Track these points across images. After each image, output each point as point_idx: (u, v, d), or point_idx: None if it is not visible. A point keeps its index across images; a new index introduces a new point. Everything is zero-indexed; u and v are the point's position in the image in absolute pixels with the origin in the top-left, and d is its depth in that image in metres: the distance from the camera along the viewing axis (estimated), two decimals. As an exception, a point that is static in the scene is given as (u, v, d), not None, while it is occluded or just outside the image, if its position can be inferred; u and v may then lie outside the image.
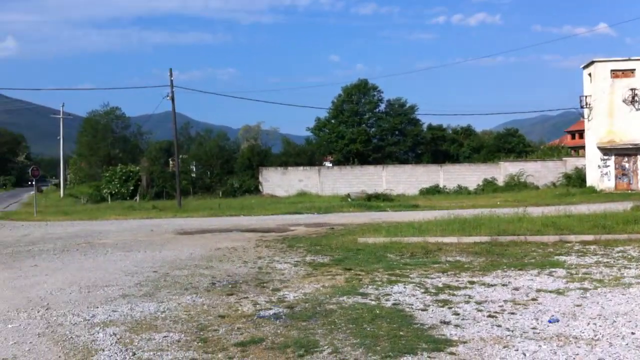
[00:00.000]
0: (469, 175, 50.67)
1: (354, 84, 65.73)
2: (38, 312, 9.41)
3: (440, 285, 10.49)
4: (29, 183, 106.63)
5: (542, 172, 50.22)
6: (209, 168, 55.35)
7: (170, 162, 64.52)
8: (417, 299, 9.43)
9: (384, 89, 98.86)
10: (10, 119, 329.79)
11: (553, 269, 11.74)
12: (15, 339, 7.82)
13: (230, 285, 11.11)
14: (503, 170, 50.80)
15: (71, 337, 7.87)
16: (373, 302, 9.23)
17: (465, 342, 7.05)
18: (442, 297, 9.53)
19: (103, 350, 7.20)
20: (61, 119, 70.63)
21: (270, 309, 9.06)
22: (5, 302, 10.23)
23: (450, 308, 8.76)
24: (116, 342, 7.53)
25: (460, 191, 48.85)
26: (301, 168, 53.03)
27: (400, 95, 72.80)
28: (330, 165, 60.72)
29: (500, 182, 50.12)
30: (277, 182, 51.75)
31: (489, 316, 8.26)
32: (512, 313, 8.41)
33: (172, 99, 40.40)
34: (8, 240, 21.36)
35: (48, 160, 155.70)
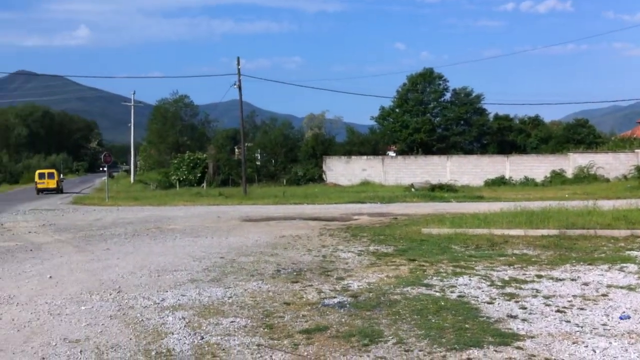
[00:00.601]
0: (536, 166, 49.49)
1: (419, 73, 64.94)
2: (110, 294, 9.76)
3: (506, 278, 10.34)
4: (101, 169, 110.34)
5: (613, 164, 48.57)
6: (274, 156, 55.87)
7: (236, 150, 65.48)
8: (482, 291, 9.34)
9: (450, 77, 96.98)
10: (83, 107, 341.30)
11: (624, 264, 11.40)
12: (88, 321, 8.13)
13: (294, 273, 11.25)
14: (572, 162, 49.38)
15: (142, 319, 8.14)
16: (438, 294, 9.19)
17: (532, 337, 6.95)
18: (508, 290, 9.40)
19: (172, 333, 7.41)
20: (132, 107, 72.62)
21: (335, 297, 9.14)
22: (79, 285, 10.65)
23: (517, 302, 8.64)
24: (185, 325, 7.75)
25: (527, 183, 47.75)
26: (365, 157, 52.91)
27: (466, 84, 71.53)
28: (394, 154, 60.33)
29: (569, 174, 48.76)
30: (340, 171, 51.83)
31: (558, 311, 8.10)
32: (582, 308, 8.22)
33: (239, 88, 40.87)
34: (81, 224, 22.17)
35: (119, 147, 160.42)
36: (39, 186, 52.24)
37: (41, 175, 53.45)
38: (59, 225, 21.87)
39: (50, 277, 11.42)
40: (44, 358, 6.62)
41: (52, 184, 52.37)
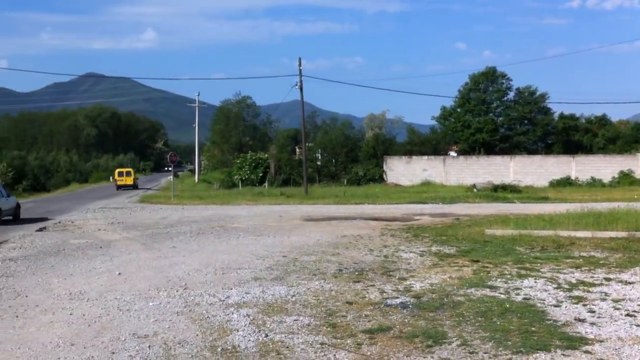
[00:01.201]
0: (604, 167, 47.98)
1: (482, 72, 63.94)
2: (177, 291, 10.00)
3: (573, 281, 10.11)
4: (165, 168, 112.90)
5: (685, 164, 46.65)
6: (334, 156, 55.96)
7: (297, 150, 65.92)
8: (549, 294, 9.15)
9: (513, 76, 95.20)
10: (149, 108, 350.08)
11: (699, 269, 10.97)
12: (156, 317, 8.36)
13: (356, 273, 11.28)
14: (642, 162, 47.71)
15: (207, 316, 8.32)
16: (502, 296, 9.06)
17: (601, 341, 6.78)
18: (576, 293, 9.19)
19: (237, 330, 7.56)
20: (196, 108, 74.00)
21: (397, 297, 9.12)
22: (147, 281, 10.96)
23: (585, 305, 8.44)
24: (249, 323, 7.88)
25: (594, 183, 46.38)
26: (426, 157, 52.45)
27: (530, 83, 70.16)
28: (455, 154, 59.60)
29: (638, 174, 47.10)
30: (401, 171, 51.51)
31: (627, 315, 7.88)
32: (654, 313, 7.97)
33: (301, 88, 41.12)
34: (148, 223, 22.75)
35: (184, 146, 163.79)
36: (119, 183, 58.26)
37: (120, 174, 59.89)
38: (127, 223, 22.51)
39: (119, 273, 11.79)
40: (113, 353, 6.84)
41: (129, 180, 58.64)
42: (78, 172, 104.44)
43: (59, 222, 23.59)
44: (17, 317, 8.56)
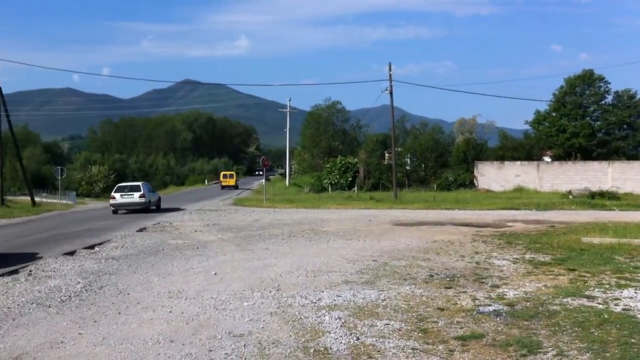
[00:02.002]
0: None
1: (578, 75, 61.64)
2: (270, 292, 10.26)
3: (678, 293, 9.64)
4: (256, 172, 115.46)
5: None
6: (424, 161, 55.48)
7: (386, 155, 65.73)
8: (650, 306, 8.78)
9: (611, 79, 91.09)
10: (242, 113, 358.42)
11: None
12: (250, 316, 8.61)
13: (448, 279, 11.19)
14: None
15: (300, 317, 8.49)
16: (600, 306, 8.77)
17: None
18: (680, 306, 8.77)
19: (329, 332, 7.68)
20: (287, 113, 75.31)
21: (490, 305, 9.00)
22: (241, 282, 11.29)
23: (690, 319, 8.05)
24: (341, 325, 7.99)
25: (703, 190, 43.80)
26: (518, 163, 51.07)
27: (630, 86, 66.99)
28: (550, 160, 57.74)
29: None
30: (492, 176, 50.42)
31: None
32: None
33: (391, 93, 41.12)
34: (242, 225, 23.37)
35: (275, 151, 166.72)
36: (223, 183, 71.42)
37: (225, 176, 73.76)
38: (221, 225, 23.21)
39: (215, 273, 12.21)
40: (210, 350, 7.09)
41: (232, 182, 71.30)
42: (175, 175, 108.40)
43: (158, 223, 24.62)
44: (119, 313, 9.02)
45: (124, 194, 32.63)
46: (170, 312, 9.01)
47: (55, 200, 49.72)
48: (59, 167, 46.49)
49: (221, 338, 7.54)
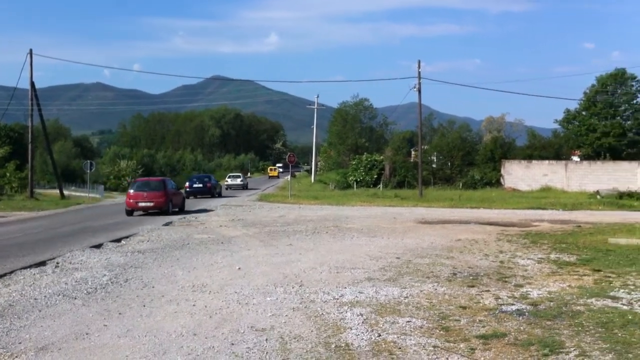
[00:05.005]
0: None
1: (610, 74, 60.74)
2: (292, 287, 10.31)
3: None
4: (273, 168, 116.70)
5: None
6: (450, 159, 55.16)
7: (412, 153, 65.54)
8: (677, 308, 8.66)
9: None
10: (270, 109, 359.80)
11: None
12: (273, 311, 8.66)
13: (471, 277, 11.15)
14: None
15: (322, 313, 8.53)
16: (625, 307, 8.67)
17: None
18: None
19: (351, 329, 7.70)
20: (315, 110, 75.37)
21: (513, 304, 8.95)
22: (265, 277, 11.36)
23: None
24: (362, 322, 8.01)
25: None
26: (546, 162, 50.49)
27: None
28: (578, 159, 57.01)
29: None
30: (519, 175, 49.93)
31: None
32: None
33: (419, 90, 40.81)
34: (266, 220, 23.48)
35: (301, 147, 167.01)
36: (270, 175, 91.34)
37: (271, 169, 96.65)
38: (246, 221, 23.35)
39: (239, 268, 12.30)
40: (233, 344, 7.15)
41: (275, 173, 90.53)
42: (202, 170, 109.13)
43: (184, 218, 24.83)
44: (144, 306, 9.13)
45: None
46: (194, 305, 9.10)
47: (83, 194, 50.40)
48: (88, 161, 47.07)
49: (243, 332, 7.60)
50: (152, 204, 26.96)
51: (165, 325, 8.02)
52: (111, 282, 10.96)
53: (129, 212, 27.09)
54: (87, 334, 7.65)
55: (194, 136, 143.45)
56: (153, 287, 10.59)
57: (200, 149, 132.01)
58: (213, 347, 7.03)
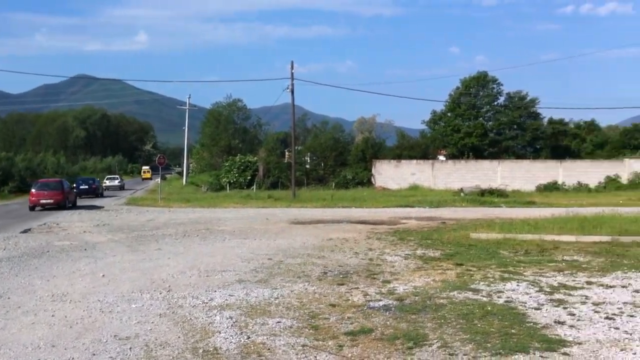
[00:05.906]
0: (591, 172, 48.25)
1: (473, 77, 64.23)
2: (160, 293, 9.99)
3: (555, 284, 10.18)
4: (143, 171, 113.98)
5: (672, 170, 47.01)
6: (323, 159, 55.98)
7: (286, 153, 65.86)
8: (530, 297, 9.22)
9: (505, 81, 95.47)
10: (139, 110, 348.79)
11: (681, 273, 11.07)
12: (138, 319, 8.34)
13: (341, 275, 11.31)
14: (627, 168, 48.05)
15: (190, 318, 8.32)
16: (484, 299, 9.11)
17: (580, 344, 6.84)
18: (557, 296, 9.26)
19: (219, 332, 7.56)
20: (187, 110, 73.84)
21: (380, 300, 9.16)
22: (131, 283, 10.93)
23: (565, 308, 8.50)
24: (232, 325, 7.88)
25: (580, 188, 46.64)
26: (414, 161, 52.56)
27: (521, 88, 70.59)
28: (444, 159, 59.81)
29: (624, 180, 47.46)
30: (389, 174, 51.60)
31: (607, 318, 7.95)
32: (632, 316, 8.05)
33: (292, 91, 41.03)
34: (134, 225, 22.69)
35: (172, 149, 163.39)
36: (143, 177, 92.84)
37: (144, 171, 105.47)
38: (112, 226, 22.44)
39: (103, 275, 11.76)
40: (94, 354, 6.82)
41: (148, 175, 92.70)
42: (65, 174, 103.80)
43: (44, 224, 23.48)
44: (-2, 318, 8.52)
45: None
46: (53, 316, 8.59)
47: None
48: None
49: (106, 341, 7.26)
50: (52, 201, 31.99)
51: (21, 337, 7.53)
52: (-41, 295, 10.10)
53: (32, 208, 31.82)
54: None
55: (57, 138, 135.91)
56: (9, 298, 9.89)
57: (64, 151, 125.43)
58: (73, 358, 6.69)
